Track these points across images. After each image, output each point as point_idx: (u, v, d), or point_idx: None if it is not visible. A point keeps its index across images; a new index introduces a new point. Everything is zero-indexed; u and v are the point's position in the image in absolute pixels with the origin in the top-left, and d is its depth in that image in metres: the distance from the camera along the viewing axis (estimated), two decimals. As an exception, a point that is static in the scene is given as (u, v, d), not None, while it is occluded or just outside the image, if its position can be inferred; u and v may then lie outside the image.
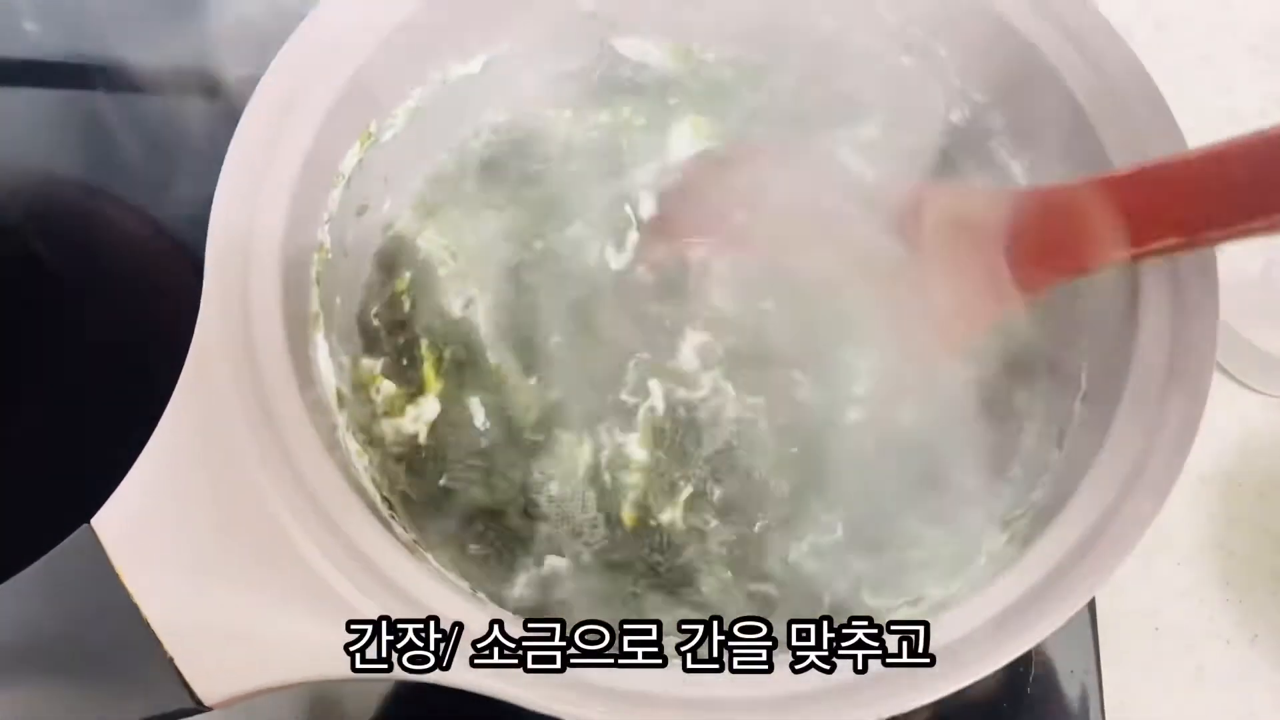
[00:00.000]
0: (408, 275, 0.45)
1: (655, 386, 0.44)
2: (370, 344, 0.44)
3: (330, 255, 0.40)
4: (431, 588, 0.32)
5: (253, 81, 0.38)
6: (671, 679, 0.31)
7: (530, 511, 0.42)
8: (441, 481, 0.42)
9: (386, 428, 0.43)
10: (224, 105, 0.52)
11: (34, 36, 0.58)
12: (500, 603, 0.38)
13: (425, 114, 0.44)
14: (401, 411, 0.43)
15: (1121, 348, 0.36)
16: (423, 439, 0.43)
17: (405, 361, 0.44)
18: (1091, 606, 0.47)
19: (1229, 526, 0.49)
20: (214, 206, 0.36)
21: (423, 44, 0.42)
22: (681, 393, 0.44)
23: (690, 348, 0.44)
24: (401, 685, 0.44)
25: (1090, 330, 0.39)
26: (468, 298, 0.45)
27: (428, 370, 0.44)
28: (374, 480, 0.39)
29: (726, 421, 0.43)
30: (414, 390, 0.44)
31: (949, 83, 0.45)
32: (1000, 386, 0.42)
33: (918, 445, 0.41)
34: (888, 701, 0.31)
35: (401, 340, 0.44)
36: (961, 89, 0.44)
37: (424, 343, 0.44)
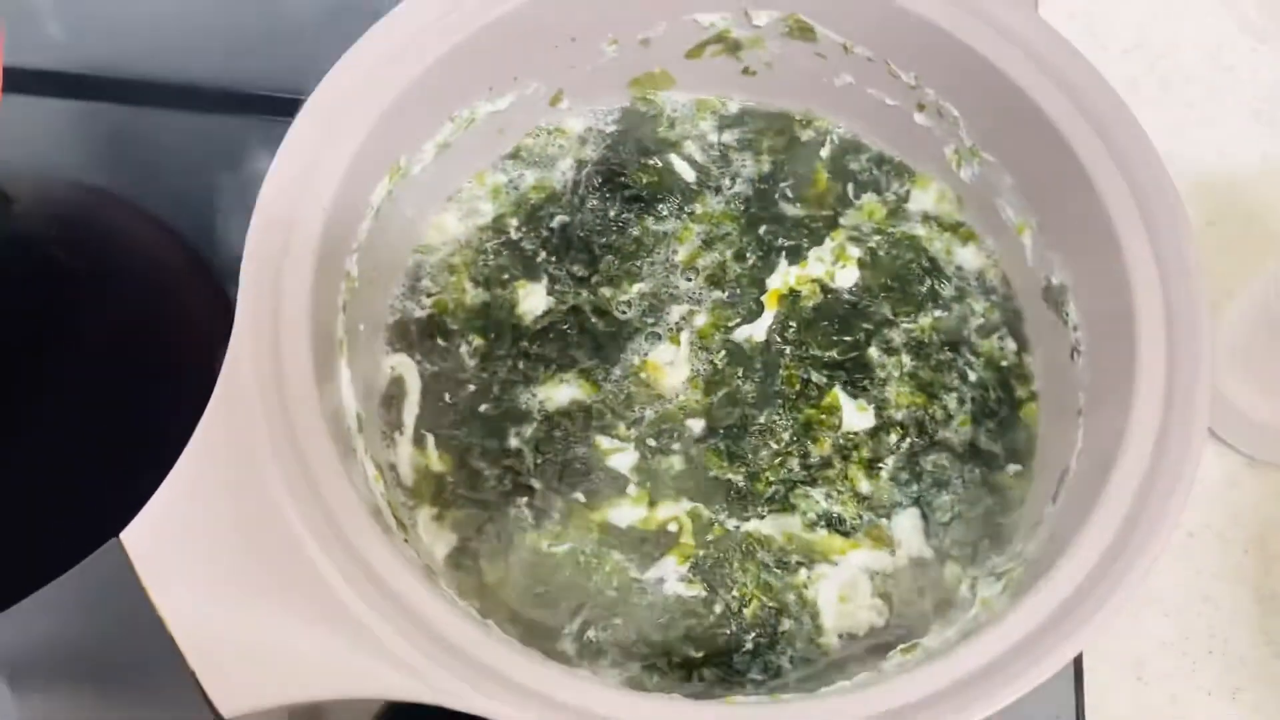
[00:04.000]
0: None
1: None
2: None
3: (357, 284, 0.41)
4: (440, 611, 0.33)
5: (277, 100, 0.39)
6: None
7: None
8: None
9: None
10: (247, 123, 0.54)
11: (60, 47, 0.59)
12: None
13: (451, 148, 0.45)
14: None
15: (1118, 409, 0.37)
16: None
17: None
18: (1076, 655, 0.47)
19: (1215, 581, 0.50)
20: (248, 240, 0.37)
21: (451, 84, 0.43)
22: None
23: None
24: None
25: (1088, 392, 0.41)
26: None
27: None
28: (389, 504, 0.40)
29: None
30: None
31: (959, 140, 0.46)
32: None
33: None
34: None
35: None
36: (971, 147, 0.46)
37: None
